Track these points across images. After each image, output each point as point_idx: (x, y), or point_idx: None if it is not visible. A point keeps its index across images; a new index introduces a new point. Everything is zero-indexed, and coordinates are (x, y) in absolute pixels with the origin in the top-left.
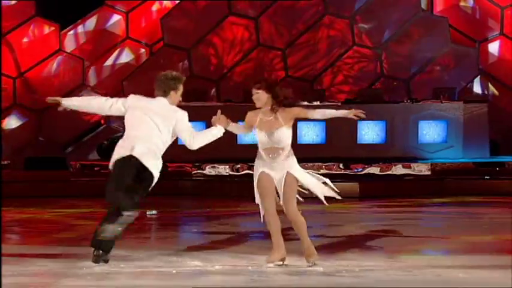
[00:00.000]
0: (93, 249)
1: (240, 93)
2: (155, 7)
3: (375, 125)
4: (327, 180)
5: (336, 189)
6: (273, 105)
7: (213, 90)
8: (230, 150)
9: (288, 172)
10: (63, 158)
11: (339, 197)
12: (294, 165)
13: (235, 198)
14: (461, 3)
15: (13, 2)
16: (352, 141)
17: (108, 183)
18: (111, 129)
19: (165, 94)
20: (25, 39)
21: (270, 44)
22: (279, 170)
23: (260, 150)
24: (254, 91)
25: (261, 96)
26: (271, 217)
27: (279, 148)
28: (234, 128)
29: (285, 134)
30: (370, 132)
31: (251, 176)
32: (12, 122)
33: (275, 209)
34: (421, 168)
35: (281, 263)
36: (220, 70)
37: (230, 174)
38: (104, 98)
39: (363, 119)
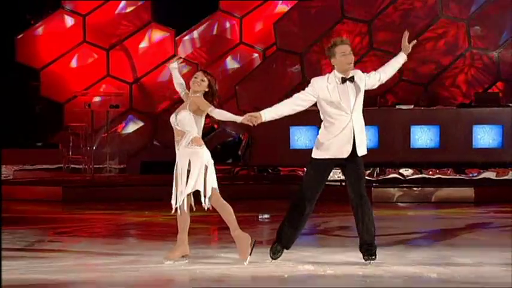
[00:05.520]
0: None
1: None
2: (269, 12)
3: (490, 129)
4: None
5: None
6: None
7: None
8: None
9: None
10: None
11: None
12: None
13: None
14: None
15: (131, 8)
16: (467, 145)
17: None
18: (225, 133)
19: None
20: (141, 45)
21: (383, 47)
22: None
23: None
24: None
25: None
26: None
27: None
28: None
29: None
30: (485, 137)
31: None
32: (128, 127)
33: None
34: None
35: (185, 259)
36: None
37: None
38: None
39: (478, 123)
